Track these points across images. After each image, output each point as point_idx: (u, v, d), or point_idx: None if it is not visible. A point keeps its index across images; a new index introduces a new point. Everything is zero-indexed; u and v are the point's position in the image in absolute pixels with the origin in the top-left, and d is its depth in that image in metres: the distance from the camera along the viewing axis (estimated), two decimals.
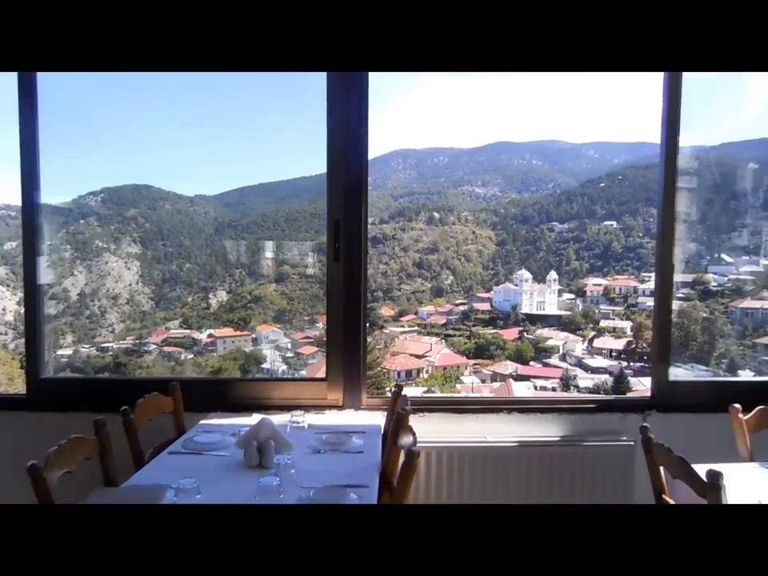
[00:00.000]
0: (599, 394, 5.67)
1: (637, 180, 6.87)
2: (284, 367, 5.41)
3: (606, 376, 5.96)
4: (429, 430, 2.65)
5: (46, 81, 2.82)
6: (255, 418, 2.20)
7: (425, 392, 5.73)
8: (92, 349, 5.20)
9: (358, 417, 2.68)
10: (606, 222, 6.79)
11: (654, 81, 2.83)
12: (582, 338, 6.42)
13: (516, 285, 6.67)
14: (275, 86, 5.05)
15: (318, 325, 5.18)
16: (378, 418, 2.57)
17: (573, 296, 6.67)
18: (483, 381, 6.14)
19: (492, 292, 6.82)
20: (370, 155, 2.71)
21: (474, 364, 6.29)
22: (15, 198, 2.87)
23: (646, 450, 1.78)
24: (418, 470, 2.12)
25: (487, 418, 2.75)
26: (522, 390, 5.64)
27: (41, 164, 2.84)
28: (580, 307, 6.61)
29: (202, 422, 2.52)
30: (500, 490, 2.61)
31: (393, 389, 2.59)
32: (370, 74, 2.67)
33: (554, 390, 5.88)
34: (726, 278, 5.82)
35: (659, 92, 2.76)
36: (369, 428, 2.39)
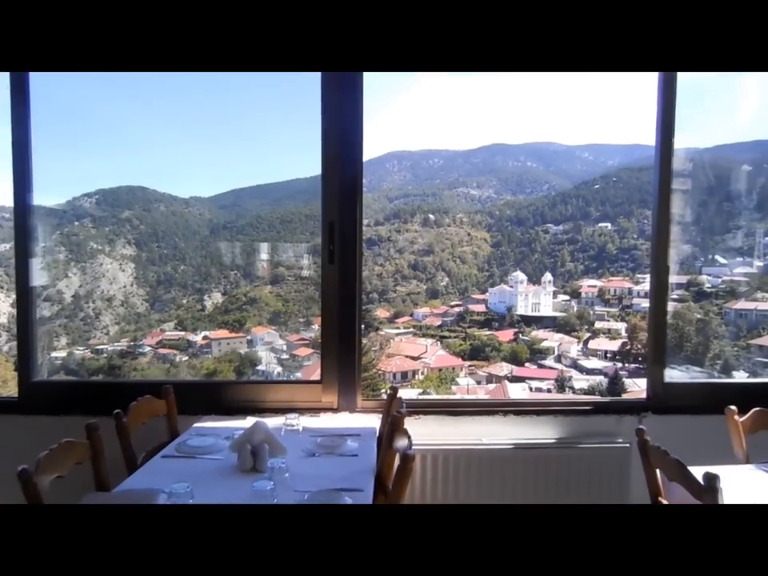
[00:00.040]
0: (594, 395, 5.69)
1: (631, 182, 6.90)
2: (279, 369, 5.40)
3: (601, 377, 5.97)
4: (424, 432, 2.64)
5: (40, 81, 2.79)
6: (249, 421, 2.19)
7: (420, 394, 5.73)
8: (86, 351, 5.17)
9: (353, 420, 2.66)
10: (600, 224, 6.82)
11: (648, 83, 2.84)
12: (576, 340, 6.43)
13: (511, 286, 6.68)
14: (270, 87, 5.05)
15: (313, 326, 5.17)
16: (374, 421, 2.55)
17: (568, 297, 6.69)
18: (478, 382, 6.14)
19: (487, 294, 6.83)
20: (365, 157, 2.70)
21: (470, 365, 6.30)
22: (8, 199, 2.84)
23: (642, 452, 1.77)
24: (413, 472, 2.10)
25: (483, 420, 2.74)
26: (517, 392, 5.64)
27: (35, 165, 2.81)
28: (575, 308, 6.63)
29: (195, 425, 2.49)
30: (495, 492, 2.60)
31: (388, 391, 2.57)
32: (365, 75, 2.66)
33: (549, 391, 5.89)
34: (719, 280, 5.85)
35: (653, 94, 2.76)
36: (364, 431, 2.37)
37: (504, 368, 6.17)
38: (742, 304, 5.80)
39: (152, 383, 2.82)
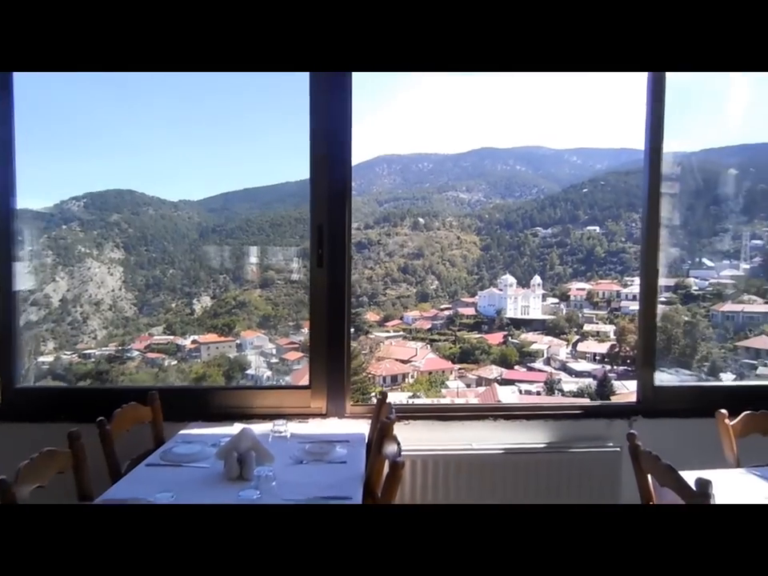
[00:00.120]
0: (583, 397, 5.71)
1: (619, 185, 6.95)
2: (269, 373, 5.36)
3: (590, 380, 5.99)
4: (414, 437, 2.62)
5: (27, 83, 2.74)
6: (236, 428, 2.15)
7: (410, 397, 5.71)
8: (74, 355, 5.11)
9: (342, 425, 2.64)
10: (588, 227, 6.86)
11: (635, 87, 2.85)
12: (566, 342, 6.46)
13: (500, 289, 6.70)
14: (261, 90, 5.03)
15: (303, 330, 5.14)
16: (363, 427, 2.53)
17: (557, 300, 6.72)
18: (468, 385, 6.14)
19: (477, 297, 6.84)
20: (355, 160, 2.68)
21: (460, 369, 6.30)
22: None
23: (634, 457, 1.76)
24: (402, 478, 2.08)
25: (473, 425, 2.72)
26: (506, 395, 5.65)
27: (21, 168, 2.74)
28: (564, 311, 6.66)
29: (181, 432, 2.45)
30: (486, 498, 2.58)
31: (378, 396, 2.55)
32: (355, 78, 2.64)
33: (538, 393, 5.90)
34: (707, 282, 5.90)
35: (641, 98, 2.77)
36: (353, 437, 2.35)
37: (494, 371, 6.17)
38: (728, 306, 5.85)
39: (138, 389, 2.78)
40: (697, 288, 5.90)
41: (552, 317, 6.62)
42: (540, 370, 6.23)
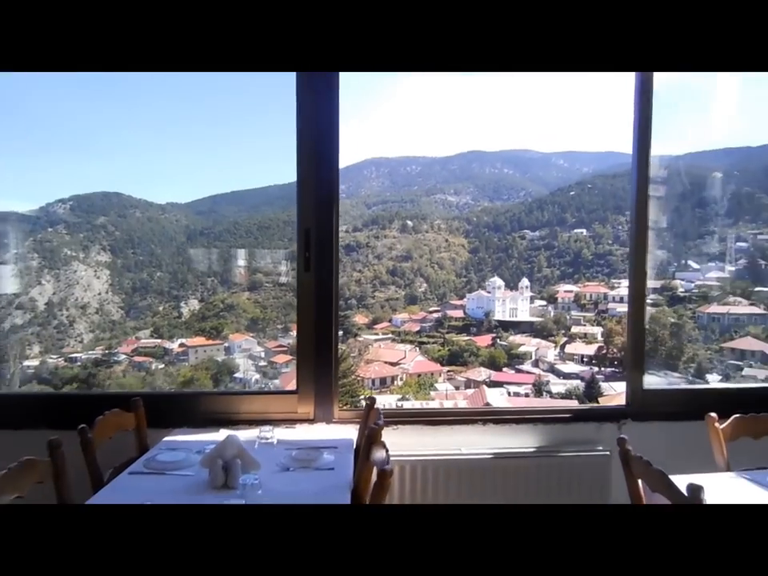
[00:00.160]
0: (571, 398, 5.75)
1: (606, 188, 7.01)
2: (257, 376, 5.33)
3: (578, 381, 6.03)
4: (402, 442, 2.59)
5: (9, 85, 2.68)
6: (222, 434, 2.11)
7: (399, 399, 5.71)
8: (60, 359, 5.05)
9: (330, 431, 2.60)
10: (576, 230, 6.91)
11: (622, 91, 2.85)
12: (554, 344, 6.50)
13: (489, 292, 6.73)
14: (248, 93, 5.01)
15: (291, 333, 5.12)
16: (351, 432, 2.50)
17: (544, 302, 6.76)
18: (457, 387, 6.16)
19: (465, 299, 6.87)
20: (344, 163, 2.64)
21: (448, 371, 6.32)
22: None
23: (624, 462, 1.75)
24: (391, 484, 2.05)
25: (461, 429, 2.70)
26: (495, 396, 5.66)
27: (6, 170, 2.69)
28: (552, 313, 6.70)
29: (165, 438, 2.40)
30: (475, 502, 2.56)
31: (366, 401, 2.52)
32: (343, 80, 2.61)
33: (527, 395, 5.93)
34: (693, 284, 5.96)
35: (627, 102, 2.77)
36: (340, 443, 2.31)
37: (482, 373, 6.19)
38: (714, 308, 5.91)
39: (121, 395, 2.72)
40: (683, 290, 5.96)
41: (540, 319, 6.66)
42: (528, 372, 6.26)
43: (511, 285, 6.80)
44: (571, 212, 7.04)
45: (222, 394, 2.97)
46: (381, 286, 6.91)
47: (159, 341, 5.43)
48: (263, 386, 5.36)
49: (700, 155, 5.63)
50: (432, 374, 6.34)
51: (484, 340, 6.58)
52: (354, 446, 2.31)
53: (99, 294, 5.39)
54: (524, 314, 6.69)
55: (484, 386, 5.98)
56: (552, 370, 6.30)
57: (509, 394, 5.93)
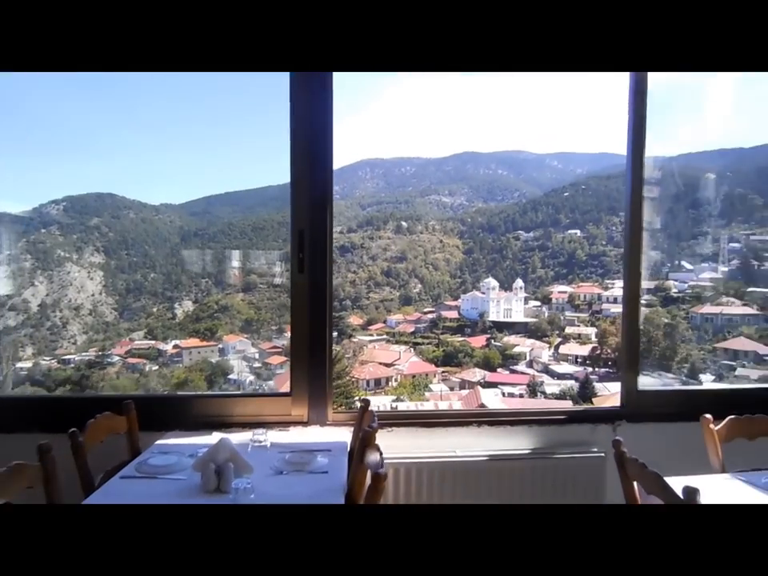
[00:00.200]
0: (566, 399, 5.76)
1: (599, 189, 7.03)
2: (252, 377, 5.31)
3: (572, 382, 6.04)
4: (397, 445, 2.58)
5: (1, 85, 2.65)
6: (215, 437, 2.09)
7: (394, 400, 5.70)
8: (53, 361, 5.01)
9: (324, 433, 2.58)
10: (570, 231, 6.92)
11: (615, 92, 2.86)
12: (548, 345, 6.51)
13: (483, 293, 6.73)
14: (242, 94, 4.99)
15: (286, 334, 5.09)
16: (345, 434, 2.48)
17: (539, 303, 6.77)
18: (452, 388, 6.16)
19: (459, 300, 6.87)
20: (338, 164, 2.63)
21: (443, 372, 6.31)
22: None
23: (620, 464, 1.74)
24: (386, 487, 2.04)
25: (456, 431, 2.69)
26: (489, 397, 5.66)
27: None
28: (546, 314, 6.71)
29: (158, 442, 2.38)
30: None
31: (360, 403, 2.50)
32: (337, 81, 2.60)
33: (521, 396, 5.93)
34: (686, 285, 5.98)
35: (621, 103, 2.77)
36: (334, 446, 2.30)
37: (477, 374, 6.19)
38: (707, 308, 5.93)
39: (115, 398, 2.69)
40: (676, 290, 5.98)
41: (534, 320, 6.67)
42: (523, 373, 6.27)
43: (505, 285, 6.81)
44: (565, 213, 7.06)
45: (214, 397, 2.94)
46: (375, 287, 6.90)
47: (153, 342, 5.39)
48: (257, 387, 5.34)
49: (693, 156, 5.65)
50: (426, 374, 6.33)
51: (478, 341, 6.59)
52: (348, 449, 2.29)
53: (93, 295, 5.36)
54: (518, 315, 6.70)
55: (478, 387, 5.98)
56: (546, 370, 6.31)
57: (503, 394, 5.93)
